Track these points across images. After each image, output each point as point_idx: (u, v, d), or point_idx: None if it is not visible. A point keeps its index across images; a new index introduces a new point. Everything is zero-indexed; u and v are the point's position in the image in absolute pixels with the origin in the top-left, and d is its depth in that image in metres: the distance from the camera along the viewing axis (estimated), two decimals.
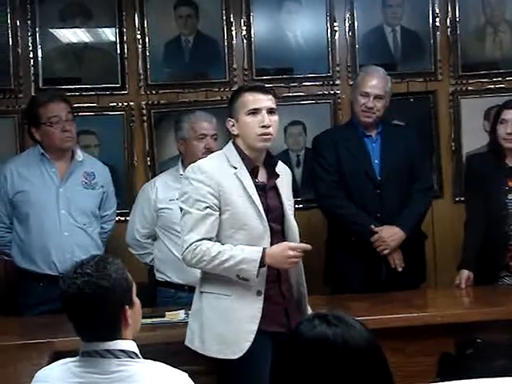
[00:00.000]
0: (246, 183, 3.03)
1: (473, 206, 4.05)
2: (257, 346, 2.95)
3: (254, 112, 3.04)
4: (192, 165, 3.12)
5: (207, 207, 2.99)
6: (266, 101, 3.06)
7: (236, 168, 3.05)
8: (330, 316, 1.60)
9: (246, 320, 2.98)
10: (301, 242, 3.11)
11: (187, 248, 2.99)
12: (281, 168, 3.22)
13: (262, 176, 3.13)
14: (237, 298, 2.99)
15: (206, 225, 2.98)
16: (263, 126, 3.03)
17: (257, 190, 3.05)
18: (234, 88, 4.63)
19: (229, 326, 2.98)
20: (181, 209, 3.08)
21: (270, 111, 3.07)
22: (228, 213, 3.01)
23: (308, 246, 3.02)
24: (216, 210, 3.00)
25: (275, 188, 3.15)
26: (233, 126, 3.10)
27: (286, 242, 3.02)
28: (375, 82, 4.04)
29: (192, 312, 3.14)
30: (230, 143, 3.15)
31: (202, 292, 3.09)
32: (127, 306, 2.09)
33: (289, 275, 3.15)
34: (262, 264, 2.94)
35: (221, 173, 3.04)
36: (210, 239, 2.98)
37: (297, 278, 3.16)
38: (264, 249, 2.96)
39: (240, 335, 2.97)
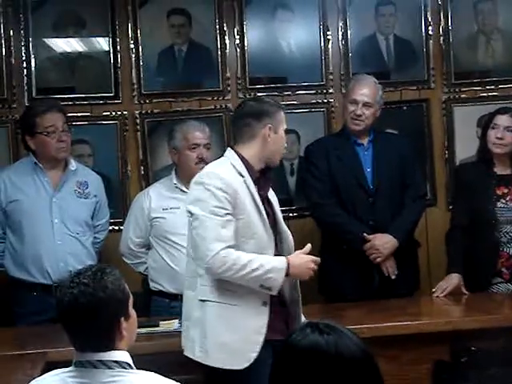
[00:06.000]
0: (253, 192, 3.02)
1: (457, 216, 4.06)
2: (260, 355, 2.92)
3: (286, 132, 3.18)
4: (206, 171, 3.08)
5: (227, 214, 2.94)
6: None
7: (243, 176, 3.03)
8: (321, 325, 1.60)
9: (252, 330, 2.95)
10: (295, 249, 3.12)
11: (214, 256, 2.90)
12: None
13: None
14: (243, 308, 2.96)
15: (229, 232, 2.93)
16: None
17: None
18: (228, 97, 4.66)
19: (235, 335, 2.94)
20: (190, 213, 3.01)
21: None
22: (242, 221, 2.98)
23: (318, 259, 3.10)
24: (233, 217, 2.96)
25: (266, 197, 3.15)
26: (269, 135, 3.09)
27: (307, 255, 3.04)
28: (365, 89, 4.03)
29: (191, 321, 3.04)
30: (231, 151, 3.11)
31: (203, 300, 3.00)
32: (123, 318, 2.07)
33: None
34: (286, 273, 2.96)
35: (235, 180, 3.01)
36: (233, 247, 2.94)
37: (291, 284, 3.13)
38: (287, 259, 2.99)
39: (246, 345, 2.94)
